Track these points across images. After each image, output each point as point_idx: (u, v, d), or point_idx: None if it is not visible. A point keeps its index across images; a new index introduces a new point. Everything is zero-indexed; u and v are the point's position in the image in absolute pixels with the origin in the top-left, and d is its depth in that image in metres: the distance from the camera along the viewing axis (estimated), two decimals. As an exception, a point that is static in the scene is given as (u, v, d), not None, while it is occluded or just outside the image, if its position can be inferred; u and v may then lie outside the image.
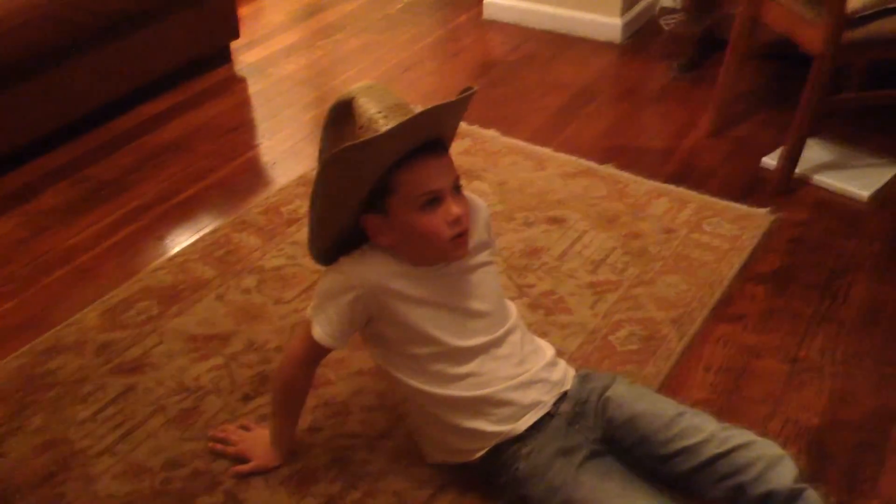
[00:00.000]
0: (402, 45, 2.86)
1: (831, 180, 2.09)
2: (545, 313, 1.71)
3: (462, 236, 1.24)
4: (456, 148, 1.30)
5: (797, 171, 2.10)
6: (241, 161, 2.26)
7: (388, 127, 1.14)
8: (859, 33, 1.89)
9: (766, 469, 1.18)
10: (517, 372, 1.30)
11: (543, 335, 1.60)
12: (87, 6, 2.19)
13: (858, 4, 1.86)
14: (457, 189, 1.24)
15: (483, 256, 1.34)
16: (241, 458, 1.41)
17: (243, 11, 2.92)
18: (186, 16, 2.50)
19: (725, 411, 1.51)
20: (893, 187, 2.10)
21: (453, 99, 1.19)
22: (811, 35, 1.95)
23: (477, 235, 1.31)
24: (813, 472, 1.40)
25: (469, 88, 1.20)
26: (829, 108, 2.11)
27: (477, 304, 1.30)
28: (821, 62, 1.92)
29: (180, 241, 1.96)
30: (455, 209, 1.21)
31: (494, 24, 2.98)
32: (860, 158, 2.19)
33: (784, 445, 1.40)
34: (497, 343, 1.30)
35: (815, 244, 1.92)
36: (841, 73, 2.24)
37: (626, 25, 2.83)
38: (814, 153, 2.16)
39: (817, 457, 1.44)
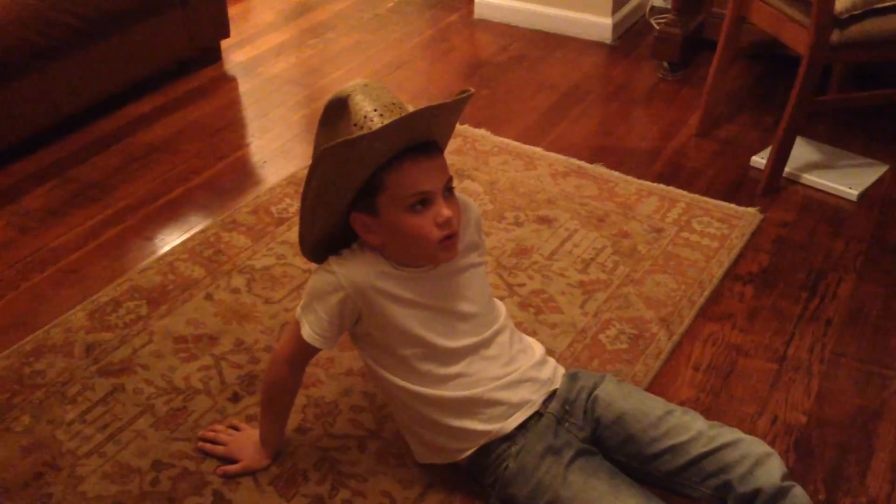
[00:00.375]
0: (393, 45, 2.86)
1: (821, 179, 2.10)
2: (535, 312, 1.72)
3: (451, 239, 1.23)
4: (447, 147, 1.30)
5: (785, 170, 2.11)
6: (230, 160, 2.25)
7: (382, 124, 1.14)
8: (847, 34, 1.90)
9: (754, 467, 1.18)
10: (505, 372, 1.30)
11: (533, 334, 1.60)
12: (74, 6, 2.17)
13: (846, 5, 1.87)
14: (449, 191, 1.23)
15: (472, 257, 1.33)
16: (229, 459, 1.41)
17: (233, 10, 2.91)
18: (176, 15, 2.49)
19: (713, 410, 1.52)
20: (880, 187, 2.12)
21: (449, 100, 1.18)
22: (799, 35, 1.96)
23: (467, 237, 1.31)
24: (800, 469, 1.41)
25: (466, 91, 1.19)
26: (816, 108, 2.12)
27: (465, 306, 1.30)
28: (808, 63, 1.93)
29: (169, 240, 1.95)
30: (445, 211, 1.20)
31: (485, 24, 2.99)
32: (847, 158, 2.20)
33: (771, 443, 1.41)
34: (485, 344, 1.30)
35: (802, 243, 1.93)
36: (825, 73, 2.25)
37: (616, 25, 2.84)
38: (802, 152, 2.17)
39: (805, 455, 1.44)
